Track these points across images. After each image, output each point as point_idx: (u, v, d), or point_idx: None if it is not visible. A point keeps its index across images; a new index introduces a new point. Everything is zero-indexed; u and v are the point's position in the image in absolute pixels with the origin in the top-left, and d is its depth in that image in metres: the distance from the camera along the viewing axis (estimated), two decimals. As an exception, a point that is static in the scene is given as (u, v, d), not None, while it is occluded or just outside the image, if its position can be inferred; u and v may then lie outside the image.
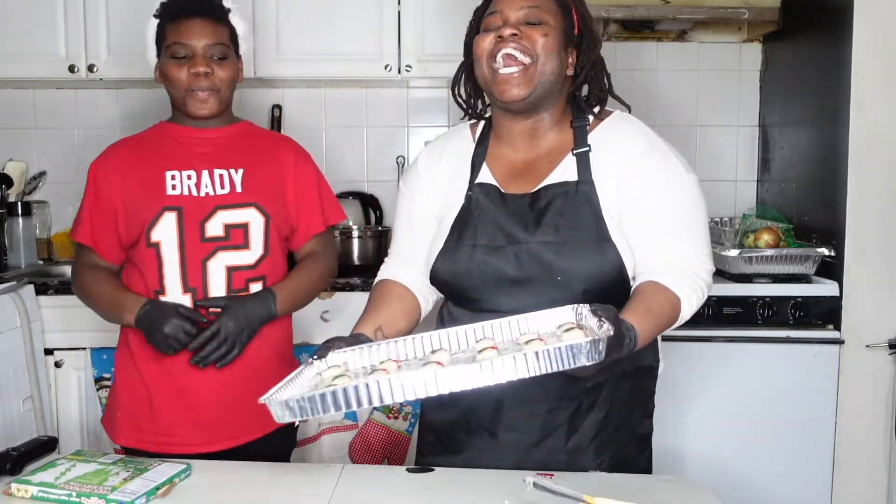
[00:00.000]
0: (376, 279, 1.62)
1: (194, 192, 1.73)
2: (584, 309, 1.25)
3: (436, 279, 1.51)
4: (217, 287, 1.72)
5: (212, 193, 1.73)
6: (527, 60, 1.40)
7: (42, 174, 3.04)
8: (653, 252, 1.40)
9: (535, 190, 1.45)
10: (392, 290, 1.58)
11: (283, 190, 1.79)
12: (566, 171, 1.45)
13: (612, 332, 1.15)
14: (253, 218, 1.74)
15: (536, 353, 1.11)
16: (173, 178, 1.74)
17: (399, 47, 2.73)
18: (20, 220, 2.83)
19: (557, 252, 1.39)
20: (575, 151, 1.45)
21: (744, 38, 3.06)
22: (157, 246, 1.71)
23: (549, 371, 1.12)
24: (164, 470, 1.32)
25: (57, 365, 2.52)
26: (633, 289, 1.40)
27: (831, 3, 2.50)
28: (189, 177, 1.74)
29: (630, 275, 1.42)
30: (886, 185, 2.40)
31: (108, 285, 1.77)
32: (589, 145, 1.45)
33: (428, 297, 1.60)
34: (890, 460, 2.44)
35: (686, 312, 1.39)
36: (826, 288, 2.45)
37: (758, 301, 2.43)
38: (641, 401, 1.54)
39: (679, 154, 1.47)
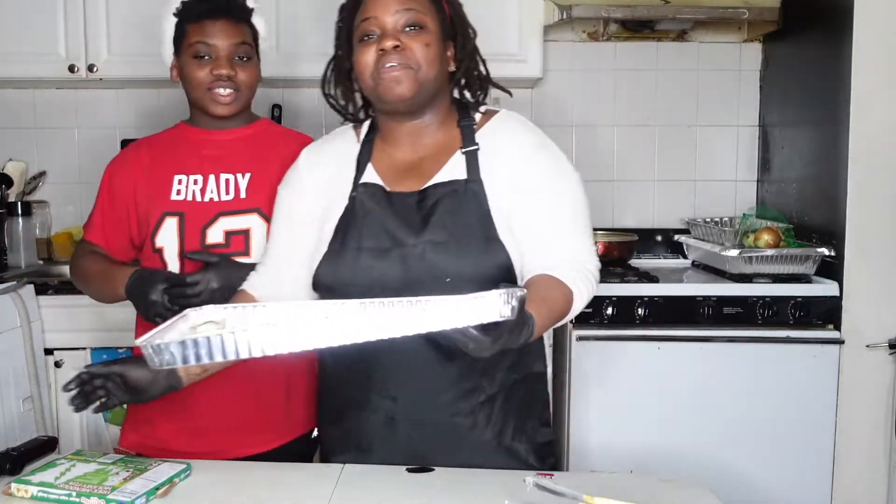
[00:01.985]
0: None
1: (198, 198, 1.71)
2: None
3: (319, 285, 1.44)
4: None
5: (216, 199, 1.71)
6: (410, 67, 1.38)
7: (42, 174, 3.03)
8: (545, 250, 1.38)
9: (422, 188, 1.42)
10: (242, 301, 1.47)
11: None
12: (455, 169, 1.42)
13: (525, 293, 1.08)
14: (255, 224, 1.70)
15: (446, 299, 1.05)
16: (180, 182, 1.72)
17: (399, 47, 2.73)
18: (20, 220, 2.82)
19: (445, 252, 1.36)
20: (464, 150, 1.43)
21: (744, 38, 3.06)
22: (160, 252, 1.71)
23: (458, 325, 1.05)
24: (164, 470, 1.32)
25: (57, 365, 2.52)
26: (525, 281, 1.37)
27: (831, 3, 2.50)
28: (195, 181, 1.72)
29: (518, 275, 1.39)
30: (886, 185, 2.40)
31: (103, 261, 1.75)
32: (477, 144, 1.43)
33: None
34: (890, 460, 2.44)
35: (577, 306, 1.37)
36: (826, 288, 2.45)
37: (758, 301, 2.43)
38: (537, 410, 1.51)
39: (562, 152, 1.47)
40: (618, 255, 2.80)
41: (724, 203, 3.10)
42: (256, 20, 1.76)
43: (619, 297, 2.44)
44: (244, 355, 1.06)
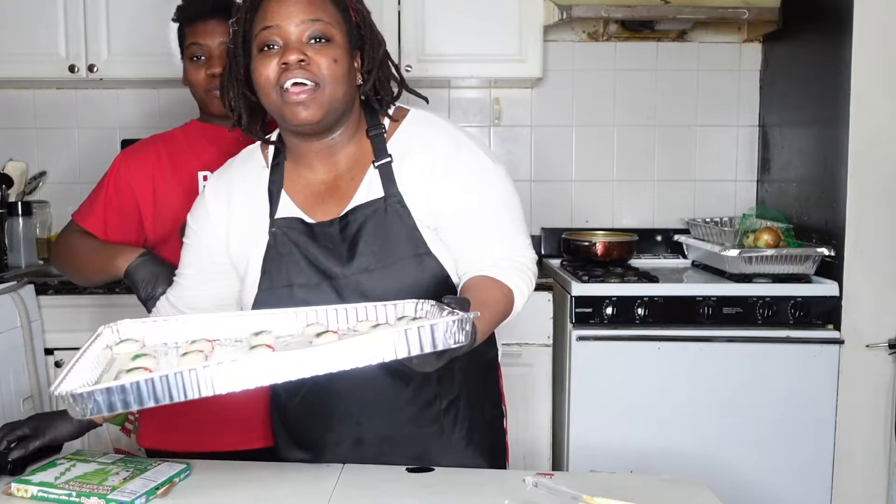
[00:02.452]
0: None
1: None
2: (427, 304, 1.19)
3: None
4: None
5: None
6: (315, 85, 1.28)
7: (42, 174, 3.04)
8: (479, 251, 1.36)
9: (342, 214, 1.36)
10: None
11: None
12: (371, 186, 1.36)
13: (479, 314, 1.10)
14: None
15: (406, 331, 0.99)
16: (205, 178, 1.74)
17: (399, 47, 2.73)
18: (20, 220, 2.83)
19: (379, 279, 1.32)
20: (377, 164, 1.36)
21: (744, 38, 3.06)
22: None
23: (413, 353, 1.03)
24: (163, 470, 1.32)
25: (57, 365, 2.52)
26: (462, 283, 1.33)
27: (831, 3, 2.50)
28: None
29: (455, 280, 1.37)
30: (886, 185, 2.40)
31: (99, 240, 1.75)
32: (390, 155, 1.36)
33: None
34: (890, 460, 2.44)
35: (519, 304, 1.36)
36: (826, 288, 2.45)
37: (758, 301, 2.43)
38: (493, 395, 1.52)
39: (482, 143, 1.42)
40: (618, 255, 2.80)
41: (724, 203, 3.10)
42: None
43: (619, 297, 2.44)
44: (178, 399, 0.97)
